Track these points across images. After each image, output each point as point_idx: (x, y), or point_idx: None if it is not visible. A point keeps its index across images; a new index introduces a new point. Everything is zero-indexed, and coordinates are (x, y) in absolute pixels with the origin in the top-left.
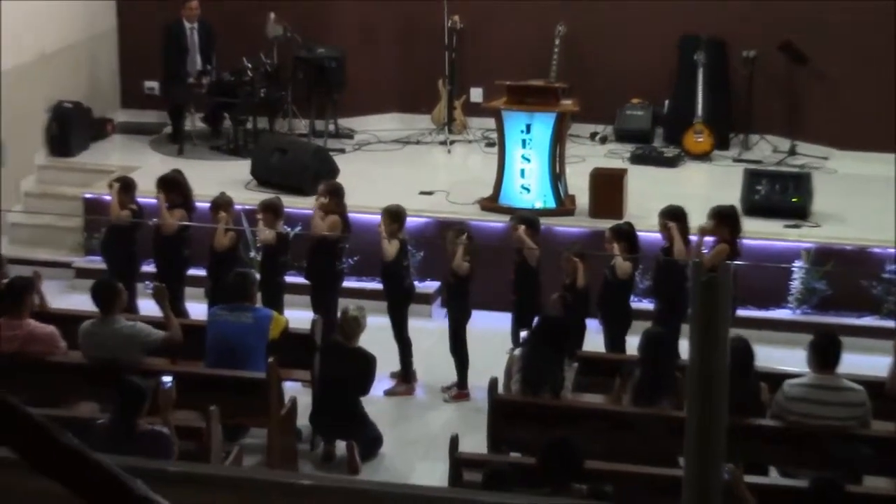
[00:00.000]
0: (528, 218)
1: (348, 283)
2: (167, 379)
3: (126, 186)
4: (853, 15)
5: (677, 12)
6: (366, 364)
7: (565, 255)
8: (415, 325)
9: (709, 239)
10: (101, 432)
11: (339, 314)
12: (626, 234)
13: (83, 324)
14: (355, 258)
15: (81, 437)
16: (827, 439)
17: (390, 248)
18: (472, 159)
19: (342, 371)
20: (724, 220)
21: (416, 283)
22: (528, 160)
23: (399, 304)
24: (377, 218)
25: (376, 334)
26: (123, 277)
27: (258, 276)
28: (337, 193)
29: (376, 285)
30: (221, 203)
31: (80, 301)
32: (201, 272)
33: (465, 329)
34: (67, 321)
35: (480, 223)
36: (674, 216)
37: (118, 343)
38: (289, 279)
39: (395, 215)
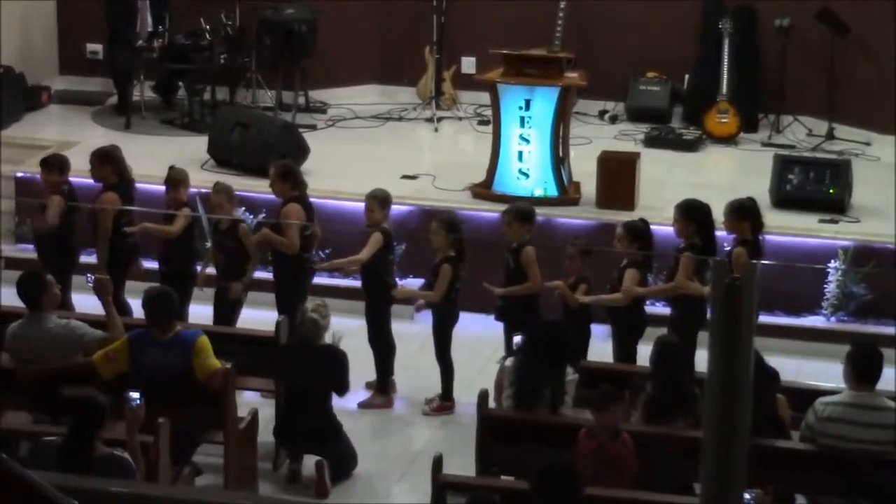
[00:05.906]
0: (522, 209)
1: (319, 280)
2: (135, 395)
3: (59, 166)
4: None
5: None
6: (338, 361)
7: (569, 251)
8: (395, 330)
9: (726, 235)
10: (50, 452)
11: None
12: (643, 234)
13: (10, 326)
14: (327, 251)
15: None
16: (863, 465)
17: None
18: (462, 139)
19: (309, 373)
20: (743, 216)
21: (398, 280)
22: (527, 141)
23: (381, 303)
24: (351, 205)
25: (349, 340)
26: (58, 269)
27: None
28: (287, 176)
29: (349, 282)
30: (176, 180)
31: (8, 296)
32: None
33: (450, 333)
34: None
35: (471, 212)
36: (693, 212)
37: (49, 345)
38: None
39: (384, 202)
